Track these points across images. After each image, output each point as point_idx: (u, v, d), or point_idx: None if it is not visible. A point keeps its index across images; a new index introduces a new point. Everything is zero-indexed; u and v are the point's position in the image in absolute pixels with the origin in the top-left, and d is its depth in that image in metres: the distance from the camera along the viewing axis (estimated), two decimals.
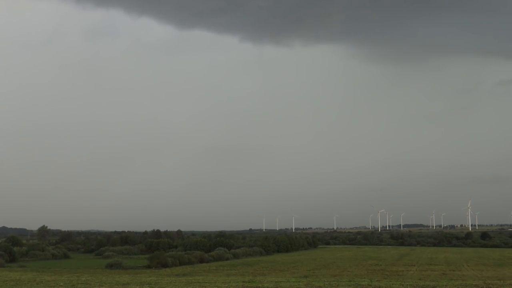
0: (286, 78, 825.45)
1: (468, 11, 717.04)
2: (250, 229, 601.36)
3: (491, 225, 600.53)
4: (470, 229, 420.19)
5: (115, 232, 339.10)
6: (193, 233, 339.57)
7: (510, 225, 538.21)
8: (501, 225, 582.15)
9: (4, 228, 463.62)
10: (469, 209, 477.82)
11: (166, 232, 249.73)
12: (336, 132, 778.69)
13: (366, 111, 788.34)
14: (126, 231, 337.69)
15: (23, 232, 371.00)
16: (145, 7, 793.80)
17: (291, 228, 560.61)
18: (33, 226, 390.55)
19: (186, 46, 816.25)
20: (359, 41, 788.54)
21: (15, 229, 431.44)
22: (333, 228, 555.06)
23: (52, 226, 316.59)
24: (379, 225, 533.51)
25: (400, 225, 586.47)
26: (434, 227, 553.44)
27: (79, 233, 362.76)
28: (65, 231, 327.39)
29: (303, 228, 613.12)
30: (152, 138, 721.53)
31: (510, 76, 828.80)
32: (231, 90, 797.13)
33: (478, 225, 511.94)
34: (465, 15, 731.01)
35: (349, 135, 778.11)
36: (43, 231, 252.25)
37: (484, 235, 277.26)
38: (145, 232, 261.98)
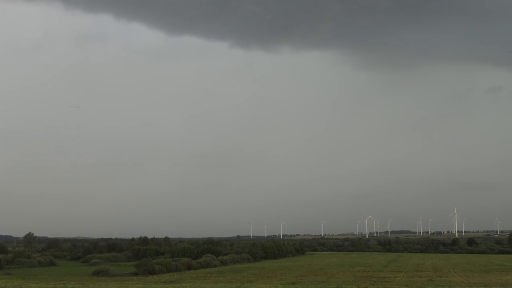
0: (276, 84, 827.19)
1: (457, 18, 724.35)
2: (238, 236, 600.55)
3: (478, 231, 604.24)
4: (456, 235, 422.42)
5: (102, 239, 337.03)
6: (180, 240, 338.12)
7: (496, 232, 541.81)
8: (487, 231, 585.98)
9: None
10: (456, 216, 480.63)
11: (153, 239, 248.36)
12: (325, 138, 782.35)
13: (356, 118, 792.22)
14: (113, 238, 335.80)
15: (8, 239, 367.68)
16: (135, 12, 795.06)
17: (279, 235, 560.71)
18: (19, 233, 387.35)
19: (176, 52, 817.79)
20: (349, 47, 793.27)
21: (1, 236, 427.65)
22: (321, 235, 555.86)
23: (38, 233, 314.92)
24: (366, 232, 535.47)
25: (388, 231, 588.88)
26: (421, 234, 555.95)
27: (65, 240, 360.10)
28: (51, 238, 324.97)
29: (291, 235, 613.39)
30: (141, 144, 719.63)
31: (500, 83, 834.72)
32: (221, 96, 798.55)
33: (464, 231, 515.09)
34: (455, 22, 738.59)
35: (338, 141, 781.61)
36: (29, 238, 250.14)
37: (471, 241, 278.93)
38: (132, 239, 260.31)
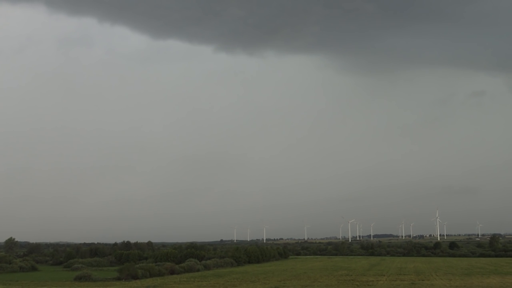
0: (260, 88, 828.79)
1: (440, 23, 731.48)
2: (221, 240, 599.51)
3: (459, 235, 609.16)
4: (438, 239, 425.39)
5: (84, 243, 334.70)
6: (163, 245, 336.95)
7: (478, 235, 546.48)
8: (468, 235, 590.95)
9: None
10: (438, 219, 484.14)
11: (136, 244, 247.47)
12: (309, 143, 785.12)
13: (340, 122, 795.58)
14: (96, 242, 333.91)
15: None
16: (119, 16, 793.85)
17: (262, 239, 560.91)
18: (0, 238, 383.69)
19: (160, 56, 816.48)
20: (333, 52, 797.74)
21: None
22: (304, 239, 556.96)
23: (20, 238, 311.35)
24: (349, 236, 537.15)
25: (370, 235, 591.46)
26: (404, 237, 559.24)
27: (47, 245, 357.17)
28: (33, 243, 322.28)
29: (274, 239, 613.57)
30: (125, 148, 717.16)
31: (483, 87, 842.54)
32: (205, 100, 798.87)
33: (446, 235, 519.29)
34: (438, 27, 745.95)
35: (322, 146, 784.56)
36: (10, 243, 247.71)
37: (452, 245, 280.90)
38: (115, 244, 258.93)
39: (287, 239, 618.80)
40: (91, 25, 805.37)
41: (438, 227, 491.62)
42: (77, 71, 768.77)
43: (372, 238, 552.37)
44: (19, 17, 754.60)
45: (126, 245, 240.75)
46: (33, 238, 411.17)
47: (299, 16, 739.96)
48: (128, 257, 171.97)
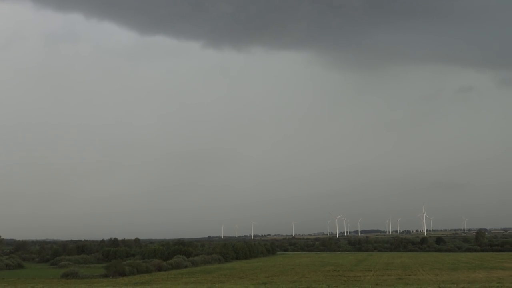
0: (248, 84, 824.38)
1: (428, 19, 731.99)
2: (209, 237, 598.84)
3: (446, 230, 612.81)
4: (425, 234, 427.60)
5: (71, 241, 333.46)
6: (151, 241, 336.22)
7: (464, 230, 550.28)
8: (455, 230, 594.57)
9: None
10: (424, 215, 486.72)
11: (123, 241, 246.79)
12: (297, 138, 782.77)
13: (328, 118, 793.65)
14: (83, 239, 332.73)
15: None
16: (106, 12, 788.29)
17: (250, 235, 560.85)
18: None
19: (148, 52, 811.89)
20: (321, 48, 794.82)
21: None
22: (292, 235, 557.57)
23: (6, 235, 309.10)
24: (337, 231, 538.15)
25: (358, 231, 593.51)
26: (391, 233, 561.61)
27: (34, 242, 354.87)
28: (19, 240, 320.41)
29: (262, 235, 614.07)
30: (111, 143, 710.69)
31: (470, 83, 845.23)
32: (193, 96, 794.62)
33: (433, 230, 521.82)
34: (425, 23, 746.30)
35: (309, 142, 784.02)
36: None
37: (439, 240, 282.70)
38: (102, 241, 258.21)
39: (275, 235, 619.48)
40: (78, 21, 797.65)
41: (425, 223, 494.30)
42: (64, 67, 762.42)
43: (359, 234, 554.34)
44: (5, 12, 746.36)
45: (113, 242, 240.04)
46: (19, 236, 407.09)
47: (287, 12, 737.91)
48: (115, 254, 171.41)
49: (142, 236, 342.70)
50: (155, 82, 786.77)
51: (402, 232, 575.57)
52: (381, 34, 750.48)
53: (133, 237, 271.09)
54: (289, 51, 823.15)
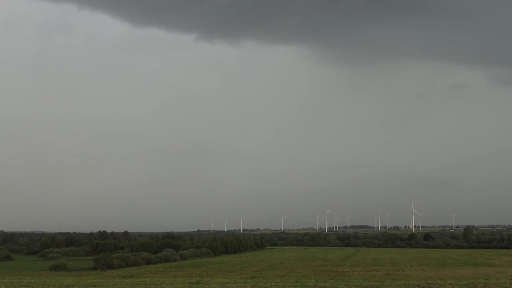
0: (241, 78, 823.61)
1: (421, 15, 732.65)
2: (198, 230, 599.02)
3: (434, 226, 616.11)
4: (413, 230, 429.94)
5: (60, 233, 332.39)
6: (140, 234, 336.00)
7: (452, 227, 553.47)
8: (443, 227, 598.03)
9: None
10: (413, 211, 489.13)
11: (112, 233, 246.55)
12: (289, 134, 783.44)
13: (321, 113, 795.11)
14: (72, 232, 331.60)
15: None
16: (99, 3, 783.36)
17: (239, 229, 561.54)
18: None
19: (141, 44, 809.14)
20: (315, 42, 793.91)
21: None
22: (281, 229, 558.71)
23: None
24: (326, 226, 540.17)
25: (347, 226, 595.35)
26: (379, 228, 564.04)
27: (22, 234, 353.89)
28: (7, 232, 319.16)
29: (251, 229, 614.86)
30: (103, 135, 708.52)
31: (463, 80, 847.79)
32: (186, 89, 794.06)
33: (421, 226, 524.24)
34: (419, 19, 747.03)
35: (301, 137, 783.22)
36: None
37: (427, 236, 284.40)
38: (91, 233, 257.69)
39: (264, 229, 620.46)
40: (71, 12, 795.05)
41: (413, 219, 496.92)
42: (57, 58, 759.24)
43: (348, 229, 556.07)
44: None
45: (102, 234, 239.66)
46: (7, 227, 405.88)
47: (281, 6, 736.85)
48: (104, 246, 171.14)
49: (131, 229, 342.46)
50: (148, 74, 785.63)
51: (390, 228, 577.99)
52: (375, 29, 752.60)
53: (122, 230, 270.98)
54: (283, 46, 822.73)
